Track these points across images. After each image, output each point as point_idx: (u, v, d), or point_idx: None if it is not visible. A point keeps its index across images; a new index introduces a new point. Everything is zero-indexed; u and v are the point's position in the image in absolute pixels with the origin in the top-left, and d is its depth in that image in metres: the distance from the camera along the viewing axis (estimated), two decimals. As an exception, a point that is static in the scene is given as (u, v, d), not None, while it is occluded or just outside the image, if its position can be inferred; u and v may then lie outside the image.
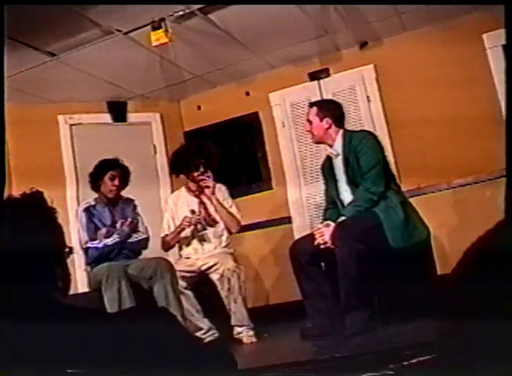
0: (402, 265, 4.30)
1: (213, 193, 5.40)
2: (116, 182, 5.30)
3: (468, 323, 0.94)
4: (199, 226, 5.37)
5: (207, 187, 5.37)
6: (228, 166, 5.92)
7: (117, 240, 5.18)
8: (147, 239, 5.42)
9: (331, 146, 4.75)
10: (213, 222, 5.42)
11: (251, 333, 5.03)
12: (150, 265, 5.02)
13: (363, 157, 4.52)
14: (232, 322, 5.05)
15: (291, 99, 6.73)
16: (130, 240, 5.28)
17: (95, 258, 5.17)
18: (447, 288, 1.05)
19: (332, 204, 4.78)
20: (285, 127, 6.75)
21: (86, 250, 5.22)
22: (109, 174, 5.29)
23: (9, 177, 6.20)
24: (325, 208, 4.92)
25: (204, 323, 5.10)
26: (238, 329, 5.05)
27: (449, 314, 1.00)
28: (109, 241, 5.17)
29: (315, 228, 4.70)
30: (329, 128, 4.70)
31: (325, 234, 4.41)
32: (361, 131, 4.99)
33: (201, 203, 5.43)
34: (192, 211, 5.35)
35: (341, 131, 4.72)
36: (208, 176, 5.36)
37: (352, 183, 4.58)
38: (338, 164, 4.70)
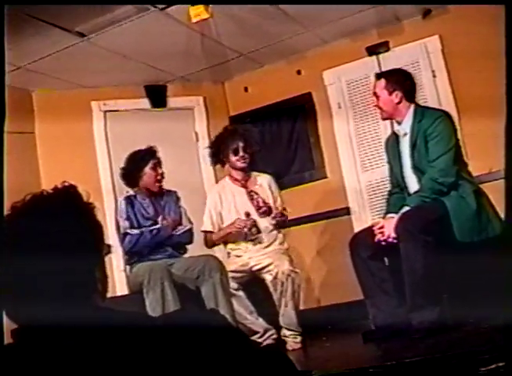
0: (472, 261, 4.22)
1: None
2: (159, 170, 5.32)
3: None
4: (253, 230, 5.32)
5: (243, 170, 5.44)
6: (277, 153, 5.89)
7: (157, 229, 5.22)
8: (191, 231, 5.43)
9: (400, 123, 4.67)
10: (267, 213, 5.39)
11: (298, 339, 5.06)
12: (197, 263, 5.03)
13: (433, 141, 4.41)
14: (280, 323, 5.09)
15: (347, 77, 6.67)
16: (172, 233, 5.30)
17: (131, 248, 5.22)
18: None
19: (397, 188, 4.72)
20: (341, 108, 6.70)
21: (123, 237, 5.25)
22: (151, 163, 5.31)
23: (37, 172, 6.29)
24: (389, 192, 4.87)
25: (260, 326, 5.12)
26: (286, 332, 5.09)
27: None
28: (148, 229, 5.22)
29: (375, 222, 4.66)
30: (399, 102, 4.60)
31: (385, 229, 4.36)
32: (435, 109, 4.85)
33: (250, 192, 5.41)
34: (247, 214, 5.34)
35: (412, 107, 4.62)
36: (245, 160, 5.41)
37: (418, 169, 4.51)
38: (404, 145, 4.62)
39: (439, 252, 4.13)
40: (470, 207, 4.30)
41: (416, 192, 4.47)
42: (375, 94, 4.70)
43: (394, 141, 4.76)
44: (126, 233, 5.23)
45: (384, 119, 4.92)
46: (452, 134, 4.48)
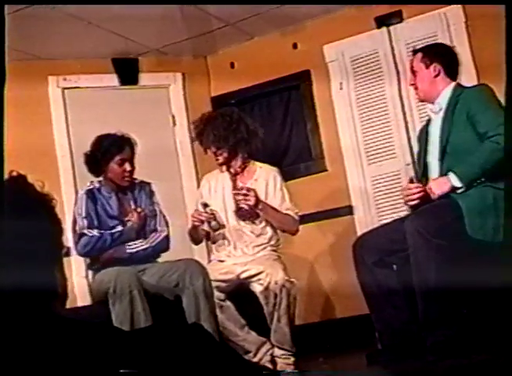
0: (496, 269, 4.19)
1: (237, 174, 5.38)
2: (127, 166, 5.26)
3: None
4: (213, 224, 5.25)
5: (225, 165, 5.37)
6: (268, 141, 5.86)
7: (119, 232, 5.19)
8: (167, 237, 5.38)
9: (434, 103, 4.69)
10: (250, 216, 5.34)
11: (291, 360, 5.02)
12: (175, 268, 5.00)
13: (486, 112, 4.35)
14: (272, 340, 5.05)
15: (352, 53, 6.67)
16: (147, 245, 5.26)
17: (87, 252, 5.21)
18: None
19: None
20: (343, 89, 6.69)
21: (79, 237, 5.17)
22: (117, 159, 5.25)
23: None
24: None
25: (252, 342, 5.10)
26: (277, 351, 5.04)
27: None
28: (109, 232, 5.18)
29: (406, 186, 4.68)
30: (437, 75, 4.63)
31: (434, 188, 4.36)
32: (476, 84, 4.91)
33: (235, 188, 5.32)
34: (205, 205, 5.28)
35: (452, 85, 4.64)
36: (220, 154, 5.33)
37: (443, 150, 4.46)
38: (435, 125, 4.64)
39: (456, 259, 4.11)
40: (486, 200, 4.26)
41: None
42: (412, 70, 4.74)
43: (425, 127, 4.82)
44: (83, 234, 5.16)
45: (420, 100, 4.94)
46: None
